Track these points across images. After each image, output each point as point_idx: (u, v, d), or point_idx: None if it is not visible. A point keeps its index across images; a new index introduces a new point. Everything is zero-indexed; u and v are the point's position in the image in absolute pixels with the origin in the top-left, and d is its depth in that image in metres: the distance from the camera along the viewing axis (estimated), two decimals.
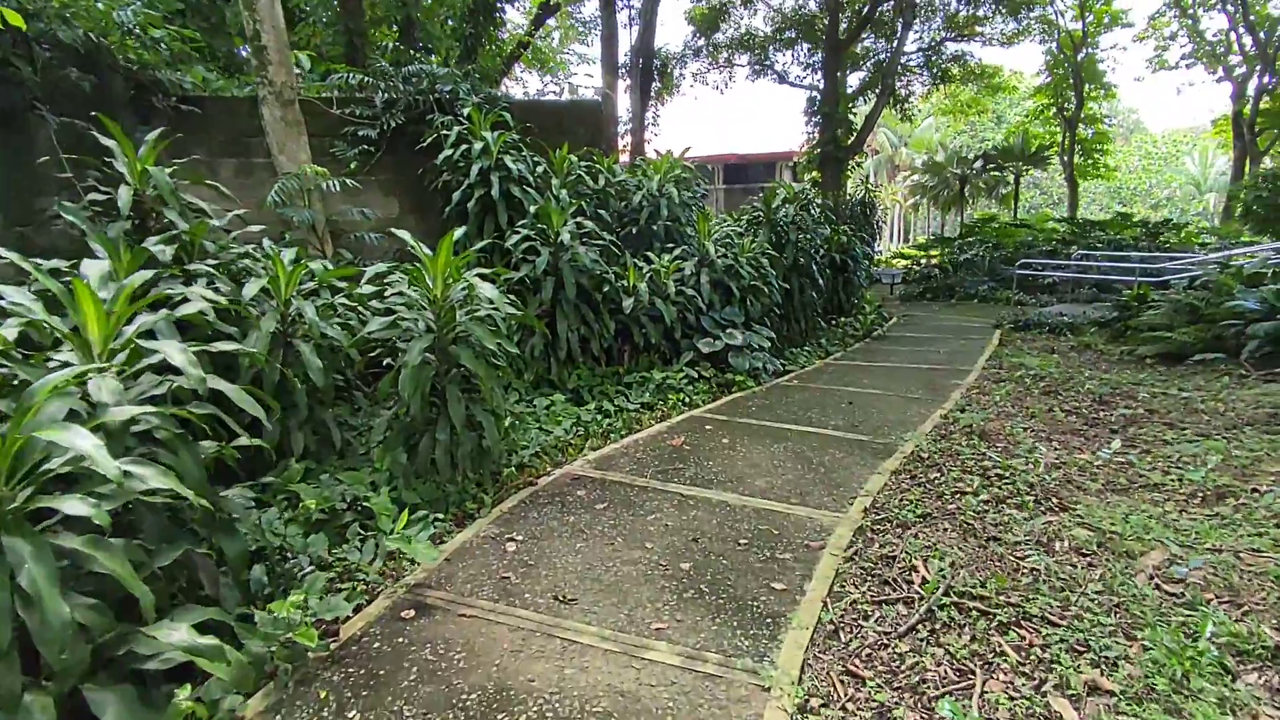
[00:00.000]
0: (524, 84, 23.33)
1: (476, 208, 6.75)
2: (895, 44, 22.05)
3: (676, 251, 7.36)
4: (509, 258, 6.41)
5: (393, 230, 4.44)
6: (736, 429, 5.20)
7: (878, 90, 23.12)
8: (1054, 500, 3.47)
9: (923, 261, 19.10)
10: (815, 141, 22.67)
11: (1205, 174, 49.71)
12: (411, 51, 9.91)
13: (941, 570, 2.84)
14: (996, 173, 33.14)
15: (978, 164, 33.35)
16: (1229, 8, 25.12)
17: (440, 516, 3.61)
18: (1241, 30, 24.75)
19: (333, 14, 12.16)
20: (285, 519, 3.53)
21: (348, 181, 6.77)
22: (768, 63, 25.68)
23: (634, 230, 7.83)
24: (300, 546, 3.19)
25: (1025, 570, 2.82)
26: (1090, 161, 30.93)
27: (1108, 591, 2.62)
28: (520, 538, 3.41)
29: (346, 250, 7.26)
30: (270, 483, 3.91)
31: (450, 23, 15.71)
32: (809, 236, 9.38)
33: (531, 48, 22.21)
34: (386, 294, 4.50)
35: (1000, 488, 3.69)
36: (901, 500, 3.70)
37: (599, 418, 5.45)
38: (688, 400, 6.13)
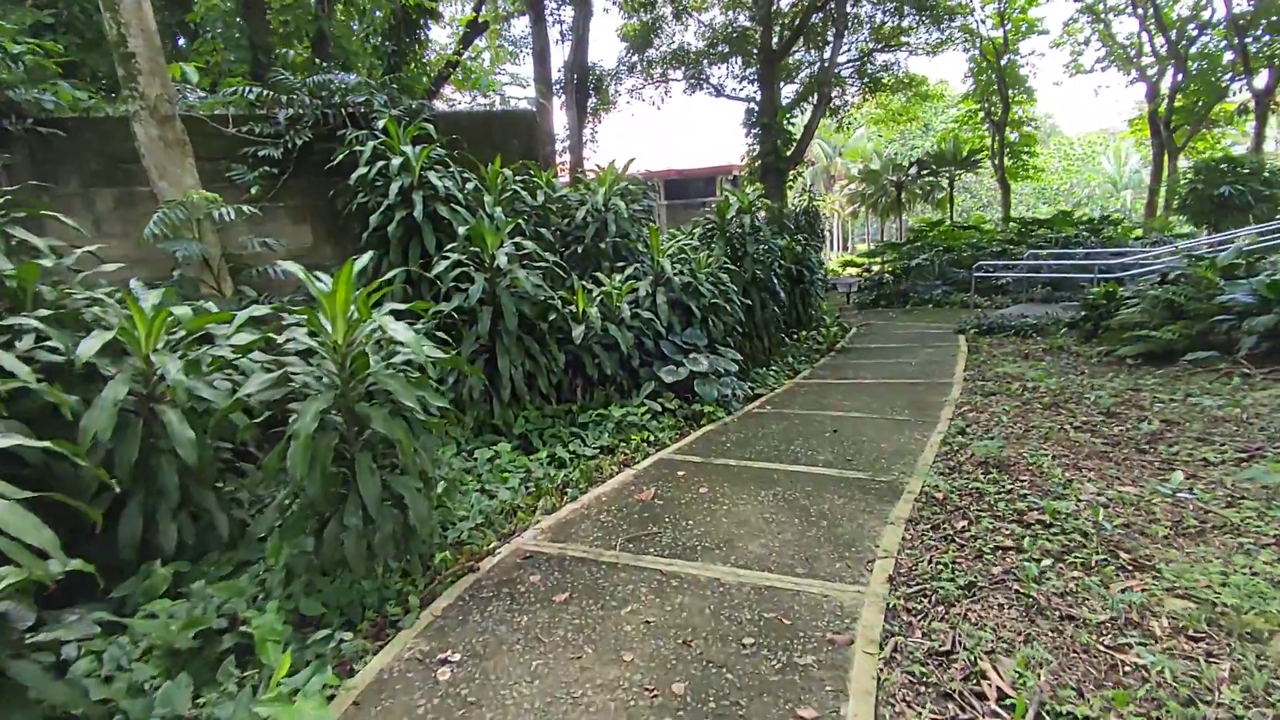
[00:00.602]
0: (454, 105, 22.48)
1: (398, 231, 5.90)
2: (830, 52, 22.11)
3: (628, 271, 6.64)
4: (439, 287, 5.59)
5: (280, 262, 3.57)
6: (714, 473, 4.47)
7: (814, 100, 23.19)
8: (1123, 555, 2.85)
9: (873, 268, 18.91)
10: (756, 153, 22.52)
11: (1120, 172, 52.16)
12: (323, 64, 9.01)
13: (1019, 675, 2.15)
14: (931, 178, 33.72)
15: (913, 170, 33.89)
16: (1139, 11, 26.16)
17: (348, 637, 2.75)
18: (1153, 29, 25.75)
19: (234, 28, 11.13)
20: (136, 655, 2.63)
21: (245, 209, 5.84)
22: (703, 76, 25.60)
23: (579, 249, 7.09)
24: (142, 710, 2.30)
25: (1129, 669, 2.16)
26: (1019, 163, 31.78)
27: (1253, 699, 1.98)
28: (457, 656, 2.59)
29: (250, 287, 6.30)
30: (127, 598, 3.01)
31: (372, 41, 14.80)
32: (766, 248, 8.81)
33: (461, 67, 21.40)
34: (282, 340, 3.65)
35: (1050, 540, 3.05)
36: (932, 563, 3.01)
37: (552, 470, 4.64)
38: (653, 439, 5.38)
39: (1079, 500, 3.43)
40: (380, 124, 6.35)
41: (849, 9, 22.30)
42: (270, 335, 3.55)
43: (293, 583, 3.11)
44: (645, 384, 6.06)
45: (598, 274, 6.57)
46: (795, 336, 10.29)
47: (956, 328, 11.15)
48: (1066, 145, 58.23)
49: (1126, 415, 4.94)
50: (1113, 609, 2.45)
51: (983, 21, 28.54)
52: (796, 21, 22.27)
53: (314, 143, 6.73)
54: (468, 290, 5.29)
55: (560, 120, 20.57)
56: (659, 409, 5.84)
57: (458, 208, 5.97)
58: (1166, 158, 26.62)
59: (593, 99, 22.99)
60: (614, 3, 24.85)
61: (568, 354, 5.80)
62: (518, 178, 6.95)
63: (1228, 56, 24.88)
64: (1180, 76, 25.07)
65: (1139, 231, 19.60)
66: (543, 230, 6.70)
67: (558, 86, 20.13)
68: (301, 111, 6.80)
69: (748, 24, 24.06)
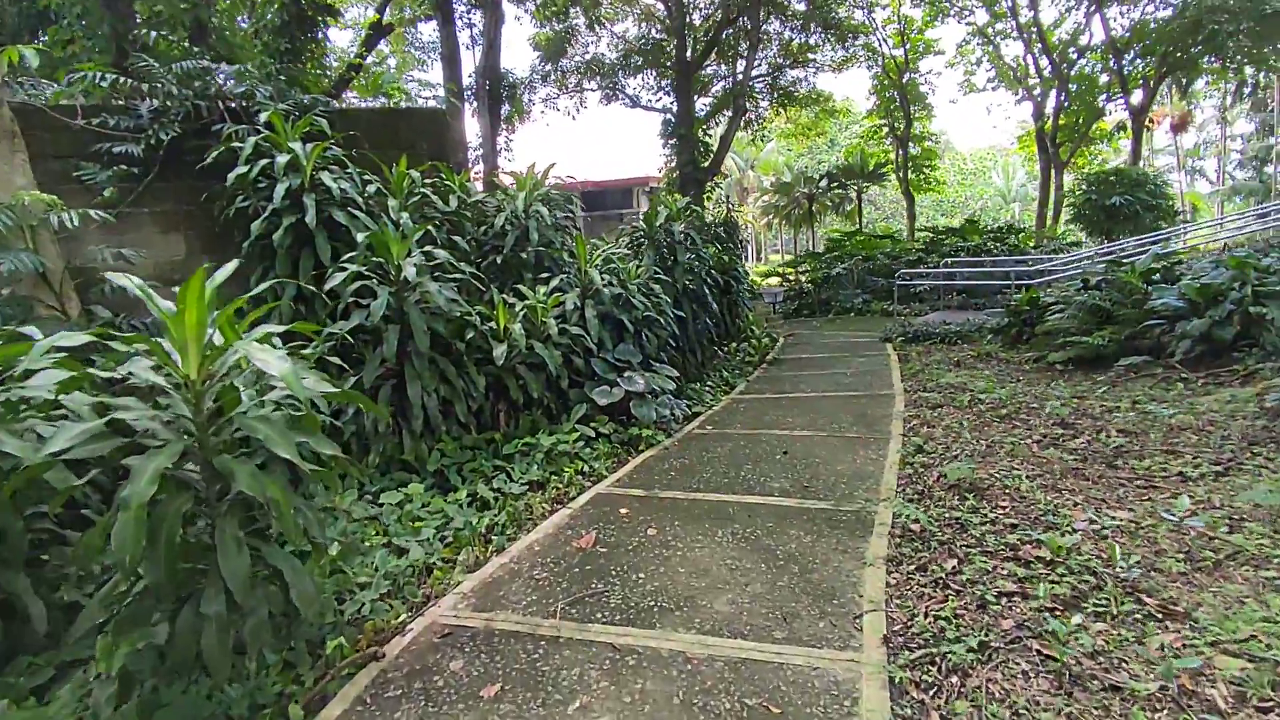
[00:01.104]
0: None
1: (286, 240, 5.12)
2: (744, 65, 22.30)
3: (554, 282, 6.06)
4: (337, 304, 4.85)
5: (110, 274, 2.81)
6: (661, 510, 3.95)
7: (729, 112, 23.31)
8: (1146, 599, 2.51)
9: (791, 278, 19.02)
10: (674, 164, 22.40)
11: (1009, 186, 55.75)
12: (197, 52, 8.01)
13: None
14: (840, 190, 34.79)
15: (823, 183, 34.88)
16: (1025, 36, 27.75)
17: None
18: (1038, 52, 27.37)
19: (96, 15, 9.83)
20: None
21: (94, 214, 4.93)
22: (618, 86, 25.34)
23: (498, 260, 6.46)
24: None
25: None
26: (922, 176, 33.15)
27: None
28: None
29: (105, 307, 5.36)
30: None
31: (263, 37, 13.61)
32: (695, 257, 8.42)
33: (365, 72, 20.23)
34: (123, 374, 2.87)
35: (1058, 582, 2.68)
36: (930, 616, 2.59)
37: (474, 514, 3.99)
38: (588, 469, 4.81)
39: (1073, 529, 3.11)
40: (263, 117, 5.54)
41: (761, 25, 22.58)
42: (94, 372, 2.77)
43: (131, 695, 2.37)
44: (576, 407, 5.49)
45: (520, 286, 5.97)
46: (726, 349, 9.96)
47: (882, 336, 11.13)
48: (960, 161, 61.66)
49: (1082, 426, 4.76)
50: (1162, 675, 2.08)
51: (884, 40, 29.67)
52: (709, 35, 22.38)
53: (185, 139, 5.84)
54: (369, 306, 4.59)
55: (473, 128, 19.74)
56: (592, 434, 5.28)
57: (357, 213, 5.24)
58: (1053, 172, 28.27)
59: (506, 107, 22.27)
60: (526, 11, 24.25)
61: (488, 376, 5.16)
62: (427, 180, 6.26)
63: (1103, 79, 26.84)
64: (1063, 97, 26.70)
65: (1032, 240, 20.59)
66: (457, 239, 6.04)
67: (469, 93, 19.34)
68: (169, 103, 5.89)
69: (661, 36, 24.04)
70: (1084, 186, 17.57)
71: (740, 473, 4.56)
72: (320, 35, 15.49)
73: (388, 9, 21.92)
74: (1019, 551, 2.96)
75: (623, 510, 3.97)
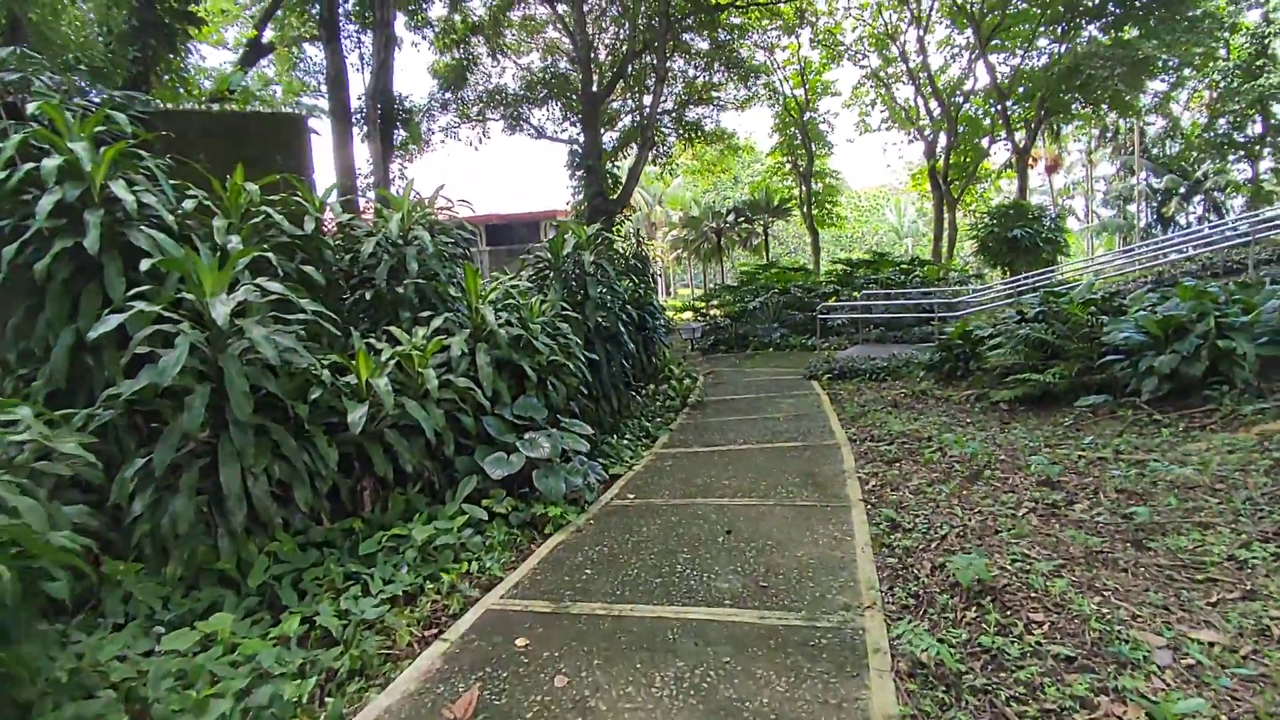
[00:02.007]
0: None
1: (61, 271, 3.79)
2: (651, 99, 21.94)
3: (436, 322, 4.92)
4: (119, 356, 3.55)
5: None
6: (575, 638, 2.85)
7: (636, 145, 22.88)
8: None
9: (706, 313, 18.45)
10: (582, 196, 21.66)
11: (901, 222, 58.91)
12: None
13: None
14: (747, 225, 35.23)
15: (730, 217, 35.23)
16: (916, 80, 29.04)
17: None
18: (928, 94, 28.63)
19: None
20: None
21: None
22: (523, 117, 24.49)
23: (368, 295, 5.27)
24: None
25: None
26: (825, 212, 34.02)
27: None
28: None
29: None
30: None
31: (105, 41, 11.83)
32: (608, 290, 7.45)
33: (242, 93, 18.35)
34: None
35: None
36: None
37: (304, 663, 2.76)
38: (477, 569, 3.65)
39: (1155, 664, 2.27)
40: (32, 109, 4.19)
41: (666, 63, 22.41)
42: None
43: None
44: (464, 480, 4.32)
45: (392, 328, 4.79)
46: (644, 392, 9.00)
47: (806, 373, 10.51)
48: (855, 199, 64.57)
49: (1071, 486, 4.04)
50: None
51: (785, 81, 30.47)
52: (615, 68, 22.05)
53: None
54: (165, 359, 3.31)
55: (363, 154, 18.21)
56: (485, 516, 4.12)
57: (158, 234, 3.95)
58: (945, 208, 29.47)
59: (402, 133, 20.86)
60: (424, 38, 23.14)
61: (346, 447, 3.95)
62: (272, 198, 5.02)
63: (986, 122, 28.40)
64: (953, 137, 27.96)
65: (939, 272, 21.05)
66: (310, 270, 4.79)
67: (358, 116, 17.88)
68: None
69: (568, 68, 23.51)
70: (986, 219, 17.98)
71: (676, 565, 3.54)
72: (180, 46, 13.83)
73: (268, 26, 20.30)
74: (1098, 712, 2.08)
75: (520, 641, 2.84)
